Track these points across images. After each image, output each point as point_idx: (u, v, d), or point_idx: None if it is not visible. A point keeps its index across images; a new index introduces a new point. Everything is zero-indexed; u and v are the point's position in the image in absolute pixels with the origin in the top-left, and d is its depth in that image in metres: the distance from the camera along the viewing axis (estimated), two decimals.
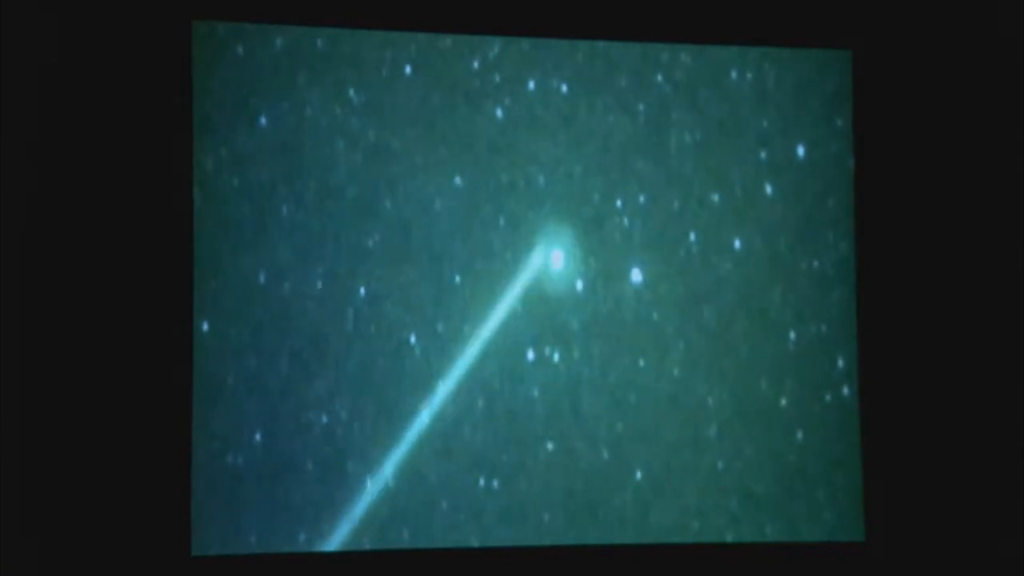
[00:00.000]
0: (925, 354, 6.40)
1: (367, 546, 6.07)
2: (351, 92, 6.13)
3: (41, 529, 5.77)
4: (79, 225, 5.87)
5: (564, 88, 6.29)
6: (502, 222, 6.22)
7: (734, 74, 6.39)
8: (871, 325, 6.40)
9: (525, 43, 6.27)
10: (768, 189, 6.39)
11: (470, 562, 6.17)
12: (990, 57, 6.46)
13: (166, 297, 5.95)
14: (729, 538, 6.31)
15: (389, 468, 6.09)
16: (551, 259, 6.24)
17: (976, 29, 6.46)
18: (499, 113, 6.24)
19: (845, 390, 6.40)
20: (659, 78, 6.34)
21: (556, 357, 6.23)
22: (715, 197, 6.35)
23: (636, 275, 6.29)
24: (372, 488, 6.07)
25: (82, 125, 5.89)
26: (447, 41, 6.22)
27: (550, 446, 6.21)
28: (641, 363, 6.28)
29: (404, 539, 6.10)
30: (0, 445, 5.75)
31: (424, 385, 6.13)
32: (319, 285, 6.07)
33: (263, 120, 6.06)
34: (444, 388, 6.14)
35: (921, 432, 6.39)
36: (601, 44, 6.31)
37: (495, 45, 6.26)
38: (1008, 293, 6.40)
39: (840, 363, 6.40)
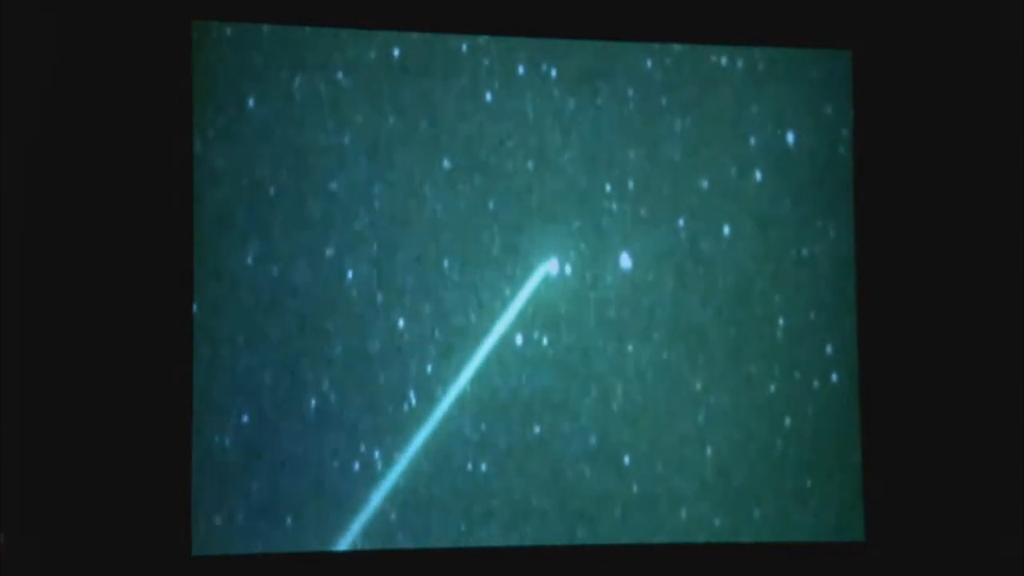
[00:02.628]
0: (925, 356, 6.40)
1: (354, 530, 6.06)
2: (339, 76, 6.14)
3: (41, 529, 5.76)
4: (79, 224, 5.89)
5: (554, 73, 6.29)
6: (491, 206, 6.23)
7: (724, 60, 6.40)
8: (872, 329, 6.41)
9: None
10: (758, 176, 6.39)
11: (470, 562, 6.16)
12: (990, 57, 6.45)
13: (166, 297, 5.96)
14: (717, 523, 6.30)
15: (378, 453, 6.09)
16: (540, 244, 6.23)
17: (976, 29, 6.46)
18: (488, 97, 6.25)
19: (834, 377, 6.39)
20: (649, 64, 6.36)
21: (545, 342, 6.23)
22: (704, 183, 6.36)
23: (625, 260, 6.30)
24: (360, 472, 6.07)
25: (82, 125, 5.91)
26: None
27: (537, 430, 6.21)
28: (630, 348, 6.28)
29: (392, 521, 6.09)
30: (0, 446, 5.76)
31: (412, 370, 6.13)
32: (308, 270, 6.08)
33: (251, 103, 6.07)
34: (432, 373, 6.14)
35: (921, 432, 6.39)
36: None
37: None
38: (1008, 294, 6.40)
39: (828, 350, 6.40)
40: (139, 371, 5.91)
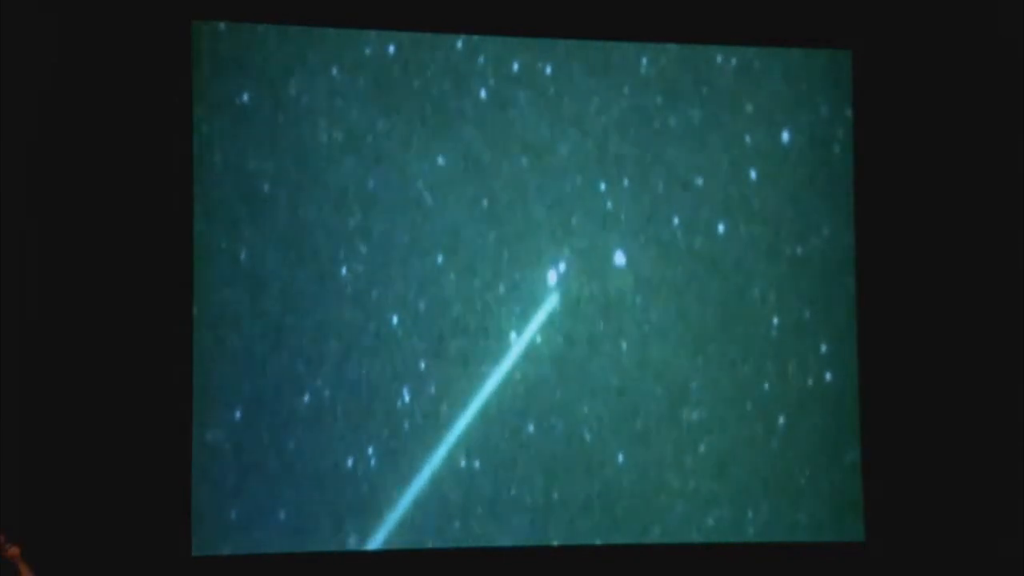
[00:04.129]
0: (925, 355, 6.40)
1: (350, 529, 6.06)
2: (335, 74, 6.15)
3: (41, 528, 5.76)
4: (79, 223, 5.90)
5: (548, 70, 6.29)
6: (485, 203, 6.23)
7: (719, 59, 6.40)
8: (871, 327, 6.41)
9: None
10: (752, 174, 6.39)
11: (466, 562, 6.16)
12: (990, 57, 6.45)
13: (165, 297, 5.96)
14: (711, 521, 6.30)
15: (371, 450, 6.09)
16: (535, 241, 6.23)
17: (976, 29, 6.46)
18: (483, 94, 6.25)
19: (828, 375, 6.39)
20: (644, 61, 6.35)
21: (539, 339, 6.23)
22: (699, 181, 6.36)
23: (619, 258, 6.30)
24: (354, 470, 6.07)
25: (82, 124, 5.92)
26: None
27: (531, 429, 6.21)
28: (624, 346, 6.28)
29: (387, 519, 6.08)
30: (0, 447, 5.77)
31: (407, 367, 6.13)
32: (304, 268, 6.08)
33: (249, 102, 6.08)
34: (426, 370, 6.14)
35: (920, 432, 6.39)
36: None
37: None
38: (1007, 293, 6.40)
39: (823, 348, 6.40)
40: (139, 370, 5.91)
